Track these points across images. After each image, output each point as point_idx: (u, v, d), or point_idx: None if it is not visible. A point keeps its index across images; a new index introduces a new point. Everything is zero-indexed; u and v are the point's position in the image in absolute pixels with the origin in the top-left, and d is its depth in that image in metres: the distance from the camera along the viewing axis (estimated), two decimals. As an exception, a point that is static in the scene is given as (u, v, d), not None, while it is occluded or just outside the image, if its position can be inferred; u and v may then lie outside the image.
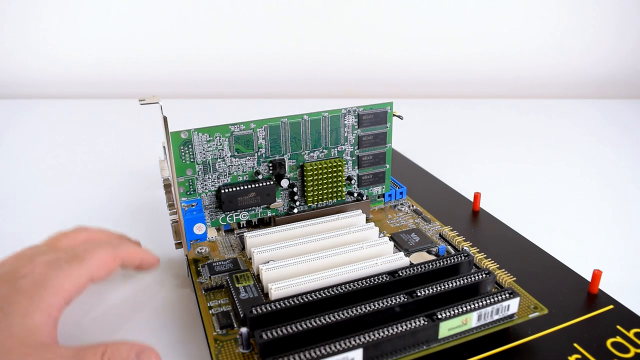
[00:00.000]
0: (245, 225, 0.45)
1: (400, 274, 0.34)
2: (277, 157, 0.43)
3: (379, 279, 0.34)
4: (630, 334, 0.33)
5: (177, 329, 0.35)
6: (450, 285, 0.33)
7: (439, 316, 0.30)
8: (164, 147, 0.45)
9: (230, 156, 0.41)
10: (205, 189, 0.41)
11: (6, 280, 0.28)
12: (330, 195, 0.45)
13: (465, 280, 0.33)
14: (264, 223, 0.45)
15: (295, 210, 0.44)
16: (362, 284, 0.33)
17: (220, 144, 0.41)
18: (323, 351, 0.28)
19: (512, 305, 0.32)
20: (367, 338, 0.29)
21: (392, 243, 0.40)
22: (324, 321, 0.30)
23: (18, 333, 0.25)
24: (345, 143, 0.45)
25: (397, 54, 0.97)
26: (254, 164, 0.42)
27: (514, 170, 0.62)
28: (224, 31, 0.95)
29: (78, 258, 0.31)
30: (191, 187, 0.41)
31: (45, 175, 0.61)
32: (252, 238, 0.40)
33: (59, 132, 0.77)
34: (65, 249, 0.33)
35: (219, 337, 0.33)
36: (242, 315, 0.33)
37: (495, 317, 0.32)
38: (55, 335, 0.27)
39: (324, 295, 0.32)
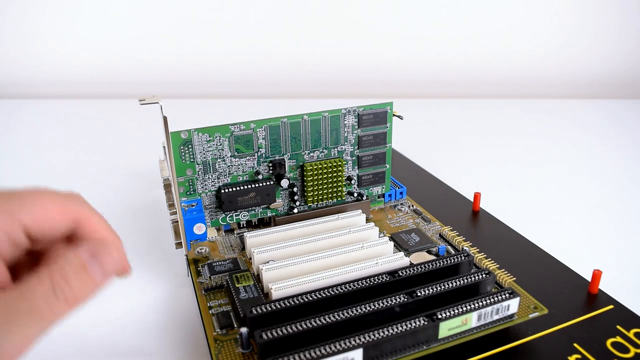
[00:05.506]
0: (245, 225, 0.45)
1: (400, 274, 0.34)
2: (277, 157, 0.43)
3: (379, 279, 0.34)
4: (630, 334, 0.33)
5: (177, 329, 0.35)
6: (450, 285, 0.33)
7: (439, 316, 0.30)
8: (164, 147, 0.45)
9: (230, 156, 0.41)
10: (205, 189, 0.41)
11: None
12: (330, 195, 0.45)
13: (465, 280, 0.33)
14: (264, 223, 0.45)
15: (295, 210, 0.44)
16: (362, 284, 0.33)
17: (220, 144, 0.41)
18: (323, 351, 0.28)
19: (512, 305, 0.32)
20: (367, 338, 0.29)
21: (392, 243, 0.40)
22: (324, 321, 0.30)
23: None
24: (345, 143, 0.45)
25: (397, 54, 0.97)
26: (254, 164, 0.42)
27: (514, 171, 0.62)
28: (223, 31, 0.95)
29: (11, 196, 0.23)
30: (191, 187, 0.41)
31: (45, 176, 0.61)
32: (252, 238, 0.40)
33: (59, 132, 0.77)
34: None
35: (219, 337, 0.33)
36: (242, 315, 0.33)
37: (495, 317, 0.32)
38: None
39: (324, 295, 0.32)
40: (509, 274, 0.37)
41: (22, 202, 0.24)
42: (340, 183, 0.44)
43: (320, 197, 0.44)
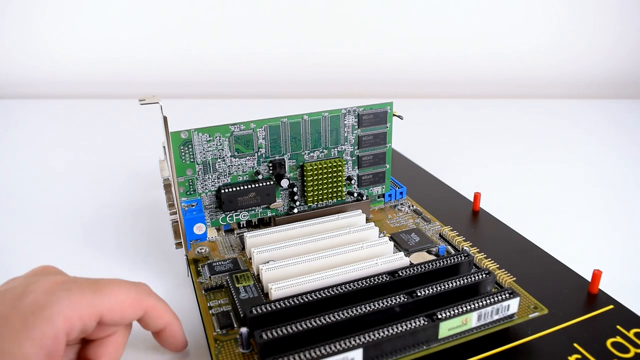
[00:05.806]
0: (245, 225, 0.45)
1: (400, 274, 0.34)
2: (277, 157, 0.43)
3: (379, 279, 0.34)
4: (630, 334, 0.33)
5: (177, 329, 0.35)
6: (450, 285, 0.33)
7: (439, 316, 0.30)
8: (164, 147, 0.45)
9: (230, 156, 0.41)
10: (205, 189, 0.41)
11: (12, 297, 0.26)
12: (330, 195, 0.45)
13: (465, 280, 0.33)
14: (264, 223, 0.45)
15: (295, 210, 0.44)
16: (362, 284, 0.33)
17: (220, 144, 0.41)
18: (323, 351, 0.28)
19: (512, 305, 0.32)
20: (367, 338, 0.29)
21: (392, 243, 0.40)
22: (324, 321, 0.30)
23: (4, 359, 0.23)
24: (345, 143, 0.45)
25: (397, 54, 0.97)
26: (254, 164, 0.42)
27: (514, 170, 0.62)
28: (223, 31, 0.95)
29: (93, 287, 0.27)
30: (191, 187, 0.41)
31: (45, 176, 0.61)
32: (252, 238, 0.40)
33: (59, 132, 0.77)
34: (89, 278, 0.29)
35: (219, 337, 0.33)
36: (242, 315, 0.33)
37: (495, 317, 0.32)
38: None
39: (324, 295, 0.32)
40: (509, 274, 0.37)
41: (102, 294, 0.27)
42: (340, 183, 0.44)
43: (320, 197, 0.44)
